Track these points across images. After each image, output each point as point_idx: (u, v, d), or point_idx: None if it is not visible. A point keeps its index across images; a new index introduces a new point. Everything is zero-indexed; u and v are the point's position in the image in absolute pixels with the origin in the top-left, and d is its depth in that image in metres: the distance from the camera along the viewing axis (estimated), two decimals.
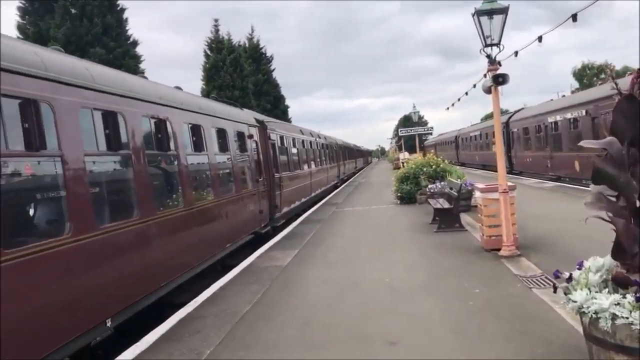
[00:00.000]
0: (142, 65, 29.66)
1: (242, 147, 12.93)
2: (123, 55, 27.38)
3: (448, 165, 20.83)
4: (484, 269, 8.82)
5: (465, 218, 14.13)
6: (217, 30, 45.57)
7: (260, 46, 55.67)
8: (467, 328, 6.02)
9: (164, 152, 8.38)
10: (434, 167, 20.09)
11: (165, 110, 8.37)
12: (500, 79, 9.45)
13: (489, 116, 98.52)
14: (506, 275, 8.32)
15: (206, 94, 43.59)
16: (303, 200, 21.46)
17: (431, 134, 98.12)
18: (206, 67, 45.02)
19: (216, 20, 46.12)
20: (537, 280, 7.81)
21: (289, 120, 51.44)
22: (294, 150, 20.79)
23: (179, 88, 11.49)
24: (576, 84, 67.04)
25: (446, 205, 13.69)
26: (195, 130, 9.78)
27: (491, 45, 9.67)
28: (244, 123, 13.28)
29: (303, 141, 23.07)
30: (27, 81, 5.18)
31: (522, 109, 33.56)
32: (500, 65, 9.62)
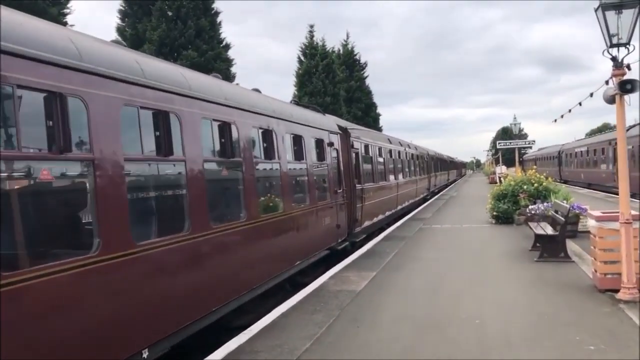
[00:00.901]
0: (233, 69, 29.76)
1: (320, 155, 11.92)
2: (215, 58, 27.42)
3: (552, 184, 18.70)
4: (600, 317, 7.18)
5: (571, 246, 12.27)
6: (311, 36, 45.37)
7: (355, 52, 54.95)
8: None
9: (225, 158, 7.49)
10: (535, 185, 18.08)
11: (230, 113, 7.50)
12: (628, 86, 7.75)
13: (595, 131, 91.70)
14: (629, 328, 6.66)
15: (298, 100, 43.35)
16: (388, 213, 20.15)
17: (531, 147, 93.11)
18: (299, 73, 44.96)
19: (311, 26, 45.92)
20: None
21: (379, 129, 50.20)
22: (380, 160, 19.54)
23: (257, 90, 10.71)
24: None
25: (549, 230, 11.90)
26: (266, 135, 8.87)
27: (618, 45, 7.99)
28: (324, 129, 12.28)
29: (390, 150, 21.76)
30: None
31: (637, 124, 30.17)
32: (629, 69, 7.91)
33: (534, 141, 31.22)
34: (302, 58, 45.36)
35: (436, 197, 37.65)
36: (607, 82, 9.57)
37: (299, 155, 10.44)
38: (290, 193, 9.62)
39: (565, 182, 42.97)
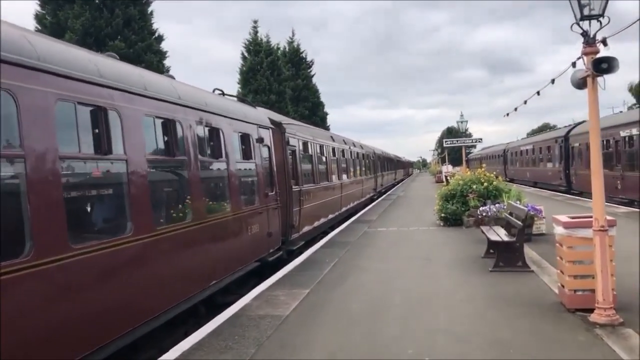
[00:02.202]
0: (167, 62, 27.59)
1: (247, 153, 10.23)
2: (145, 50, 25.24)
3: (502, 183, 17.62)
4: (574, 349, 5.81)
5: (527, 252, 11.04)
6: (255, 32, 43.53)
7: (301, 50, 53.39)
8: None
9: (100, 155, 5.67)
10: (485, 184, 16.95)
11: (108, 95, 5.70)
12: (604, 65, 6.42)
13: (536, 131, 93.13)
14: None
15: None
16: (331, 216, 18.63)
17: (475, 146, 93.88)
18: (243, 70, 43.12)
19: (255, 22, 44.11)
20: None
21: (327, 128, 48.72)
22: (321, 159, 17.99)
23: (171, 77, 8.93)
24: (631, 100, 61.97)
25: (504, 236, 10.61)
26: (167, 126, 7.11)
27: (590, 17, 6.68)
28: (251, 123, 10.58)
29: (334, 149, 20.25)
30: None
31: (584, 121, 29.86)
32: (605, 44, 6.59)
33: (481, 139, 30.48)
34: (246, 55, 43.51)
35: (383, 197, 36.51)
36: (574, 65, 8.32)
37: (216, 151, 8.71)
38: (203, 198, 7.86)
39: (511, 180, 42.75)
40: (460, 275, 9.91)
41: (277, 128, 12.89)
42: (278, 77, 43.73)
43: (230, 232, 8.91)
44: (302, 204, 13.96)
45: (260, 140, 10.94)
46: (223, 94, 11.29)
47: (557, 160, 31.60)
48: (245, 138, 10.18)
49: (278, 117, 13.58)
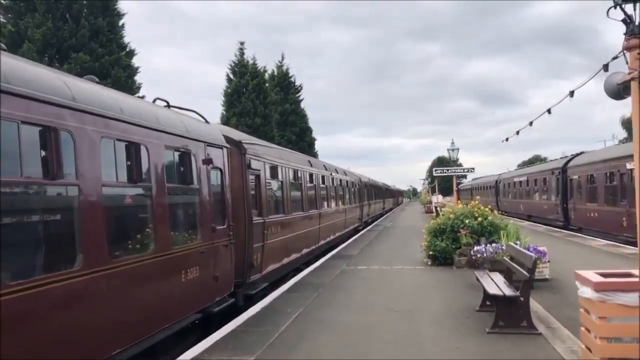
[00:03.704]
0: (138, 78, 25.64)
1: (185, 176, 8.17)
2: (112, 64, 23.31)
3: (498, 218, 15.62)
4: None
5: (531, 304, 8.98)
6: (242, 54, 41.91)
7: (290, 75, 51.83)
8: None
9: None
10: (479, 219, 14.94)
11: None
12: None
13: (527, 163, 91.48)
14: None
15: (226, 120, 39.48)
16: (306, 251, 16.52)
17: (465, 177, 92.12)
18: (227, 92, 41.41)
19: (242, 44, 42.56)
20: None
21: (314, 154, 46.83)
22: (296, 186, 15.95)
23: (96, 82, 6.95)
24: (622, 134, 60.81)
25: (505, 288, 8.52)
26: (50, 137, 5.06)
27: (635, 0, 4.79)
28: (195, 140, 8.54)
29: (312, 175, 18.21)
30: None
31: (583, 152, 28.15)
32: None
33: (473, 168, 28.56)
34: (232, 76, 41.84)
35: (369, 227, 34.45)
36: (605, 68, 6.42)
37: (134, 173, 6.65)
38: (99, 236, 5.75)
39: (503, 213, 40.87)
40: (451, 337, 7.82)
41: (236, 148, 10.88)
42: (264, 100, 42.02)
43: (149, 281, 6.80)
44: (266, 239, 11.87)
45: (208, 161, 8.90)
46: (168, 105, 9.30)
47: (554, 193, 29.75)
48: (183, 158, 8.14)
49: (239, 135, 11.56)
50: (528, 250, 10.97)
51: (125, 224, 6.75)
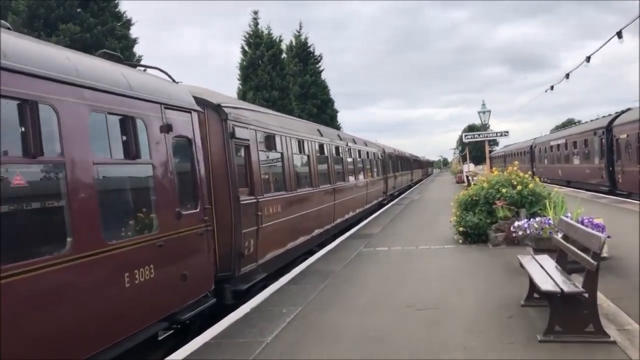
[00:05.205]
0: (138, 51, 23.73)
1: (128, 149, 6.19)
2: (106, 34, 21.45)
3: (541, 186, 13.32)
4: None
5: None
6: (256, 24, 39.59)
7: (309, 44, 49.06)
8: None
9: None
10: (519, 187, 12.68)
11: None
12: None
13: (560, 127, 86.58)
14: None
15: (242, 94, 37.44)
16: (317, 232, 14.53)
17: (497, 143, 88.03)
18: (242, 65, 39.27)
19: (255, 13, 40.02)
20: None
21: (337, 127, 44.42)
22: (302, 159, 13.89)
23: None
24: None
25: (562, 281, 6.33)
26: None
27: None
28: (144, 100, 6.54)
29: (322, 145, 16.08)
30: None
31: (629, 109, 25.22)
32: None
33: (507, 131, 25.86)
34: (247, 48, 39.61)
35: (395, 201, 32.27)
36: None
37: (32, 146, 4.69)
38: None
39: (540, 179, 38.10)
40: (490, 351, 5.75)
41: (215, 113, 8.86)
42: (281, 71, 39.74)
43: (67, 292, 4.88)
44: (261, 222, 9.89)
45: (167, 128, 6.91)
46: (120, 59, 7.32)
47: (597, 156, 26.96)
48: (126, 123, 6.15)
49: (219, 97, 9.49)
50: (582, 224, 8.75)
51: (16, 217, 4.79)
